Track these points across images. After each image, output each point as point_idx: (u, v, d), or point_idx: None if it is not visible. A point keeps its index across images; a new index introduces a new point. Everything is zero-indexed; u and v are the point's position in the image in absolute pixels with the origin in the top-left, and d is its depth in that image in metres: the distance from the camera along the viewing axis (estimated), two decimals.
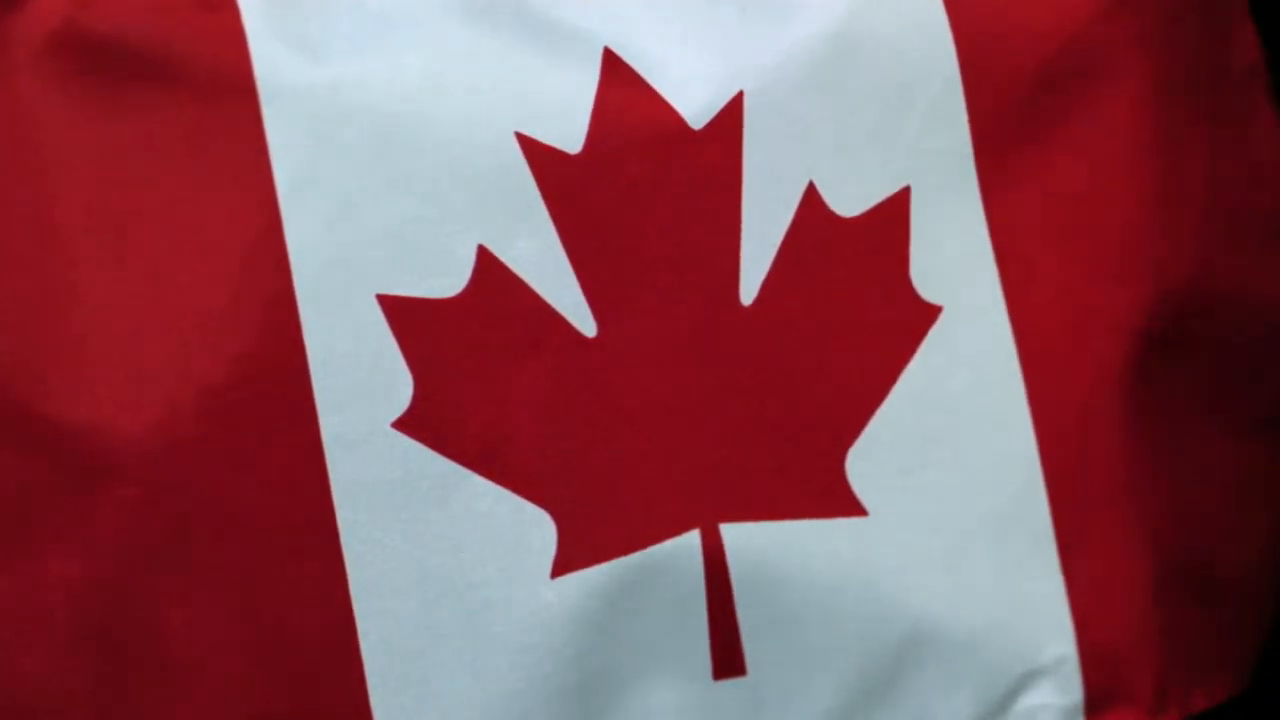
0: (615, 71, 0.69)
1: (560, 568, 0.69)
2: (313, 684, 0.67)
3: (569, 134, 0.68)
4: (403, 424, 0.68)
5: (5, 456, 0.65)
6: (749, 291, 0.70)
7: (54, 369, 0.65)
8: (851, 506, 0.72)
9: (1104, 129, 0.73)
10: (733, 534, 0.71)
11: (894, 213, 0.72)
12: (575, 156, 0.68)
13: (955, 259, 0.72)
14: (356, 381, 0.67)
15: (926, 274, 0.72)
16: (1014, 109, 0.72)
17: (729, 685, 0.72)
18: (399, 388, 0.67)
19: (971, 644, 0.73)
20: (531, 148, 0.68)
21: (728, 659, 0.71)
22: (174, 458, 0.65)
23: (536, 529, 0.68)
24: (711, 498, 0.71)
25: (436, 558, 0.68)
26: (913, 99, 0.71)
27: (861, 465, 0.72)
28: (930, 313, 0.72)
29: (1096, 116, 0.73)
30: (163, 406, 0.65)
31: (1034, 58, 0.72)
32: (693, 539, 0.70)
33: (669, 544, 0.70)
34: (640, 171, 0.69)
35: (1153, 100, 0.73)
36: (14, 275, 0.64)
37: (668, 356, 0.70)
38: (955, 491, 0.72)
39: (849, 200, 0.71)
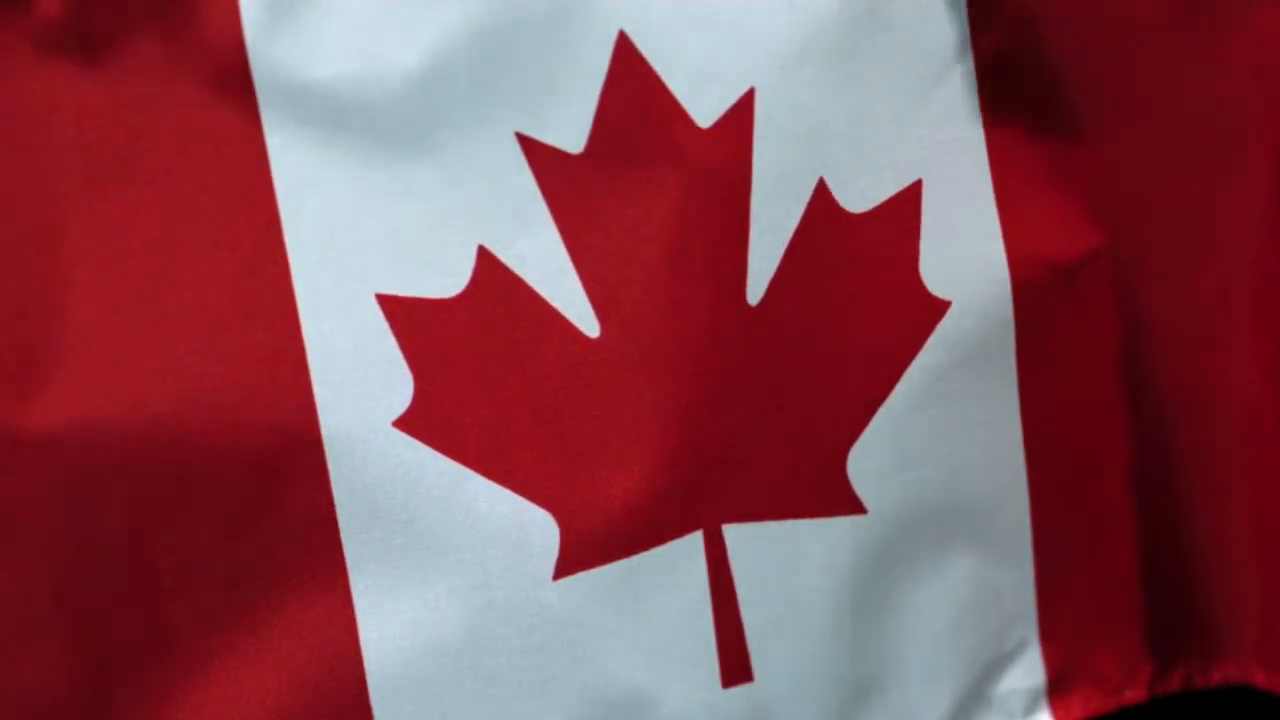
0: (626, 61, 0.66)
1: (562, 569, 0.69)
2: (313, 684, 0.67)
3: (572, 133, 0.66)
4: (403, 423, 0.67)
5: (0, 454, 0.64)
6: (755, 292, 0.69)
7: (51, 366, 0.64)
8: (852, 505, 0.72)
9: (1132, 137, 0.70)
10: (735, 535, 0.71)
11: (905, 207, 0.70)
12: (577, 156, 0.67)
13: (966, 253, 0.71)
14: (357, 381, 0.67)
15: (937, 268, 0.71)
16: (1032, 105, 0.70)
17: (738, 692, 0.72)
18: (399, 387, 0.67)
19: (952, 632, 0.74)
20: (532, 148, 0.66)
21: (736, 666, 0.72)
22: (173, 457, 0.65)
23: (538, 530, 0.68)
24: (715, 498, 0.70)
25: (437, 558, 0.68)
26: (927, 91, 0.69)
27: (862, 463, 0.72)
28: (939, 307, 0.71)
29: (1125, 123, 0.70)
30: (161, 406, 0.65)
31: (1057, 61, 0.69)
32: (695, 540, 0.70)
33: (671, 545, 0.70)
34: (645, 170, 0.67)
35: (1188, 116, 0.70)
36: (10, 272, 0.63)
37: (671, 357, 0.69)
38: (944, 484, 0.73)
39: (860, 195, 0.70)
